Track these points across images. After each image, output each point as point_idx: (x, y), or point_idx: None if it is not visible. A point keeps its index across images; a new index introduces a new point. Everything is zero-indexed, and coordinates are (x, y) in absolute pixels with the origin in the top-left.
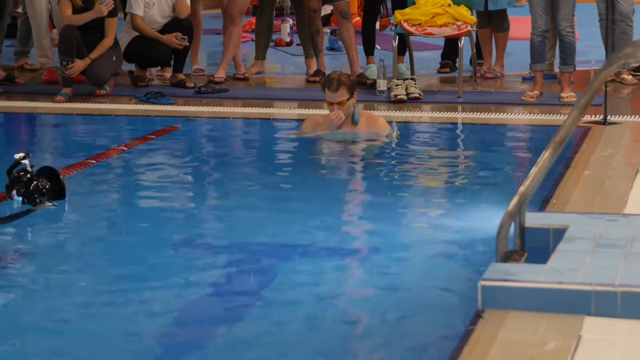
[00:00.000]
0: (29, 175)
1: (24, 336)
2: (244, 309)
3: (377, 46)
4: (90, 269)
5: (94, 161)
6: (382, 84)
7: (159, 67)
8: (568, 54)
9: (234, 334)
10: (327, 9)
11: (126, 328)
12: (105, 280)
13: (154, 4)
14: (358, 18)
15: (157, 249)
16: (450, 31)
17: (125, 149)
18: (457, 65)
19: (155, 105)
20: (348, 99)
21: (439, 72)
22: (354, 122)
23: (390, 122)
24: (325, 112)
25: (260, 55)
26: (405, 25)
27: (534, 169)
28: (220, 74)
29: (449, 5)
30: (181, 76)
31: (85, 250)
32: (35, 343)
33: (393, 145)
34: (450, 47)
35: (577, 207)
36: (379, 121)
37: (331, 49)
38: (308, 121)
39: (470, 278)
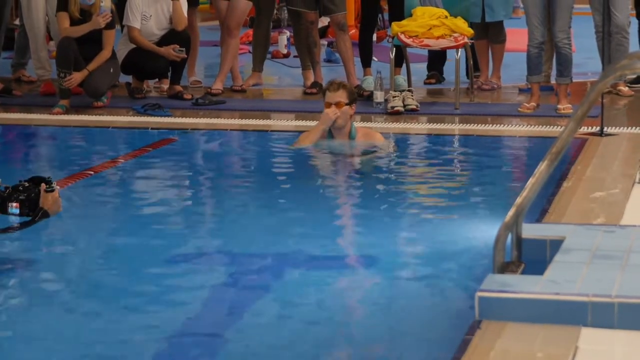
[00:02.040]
0: (26, 185)
1: (19, 347)
2: (242, 319)
3: (374, 58)
4: (86, 281)
5: (91, 173)
6: (379, 96)
7: (157, 79)
8: (565, 66)
9: (233, 342)
10: (324, 21)
11: (123, 339)
12: (101, 292)
13: (151, 16)
14: (355, 30)
15: (154, 260)
16: (447, 43)
17: (122, 161)
18: (444, 76)
19: (153, 117)
20: (346, 104)
21: (425, 83)
22: (351, 137)
23: (387, 134)
24: None
25: (258, 67)
26: (402, 37)
27: (531, 180)
28: (218, 86)
29: (446, 17)
30: (178, 88)
31: (80, 261)
32: (33, 353)
33: (390, 156)
34: (435, 59)
35: (574, 218)
36: (376, 135)
37: (328, 60)
38: (305, 133)
39: (468, 289)
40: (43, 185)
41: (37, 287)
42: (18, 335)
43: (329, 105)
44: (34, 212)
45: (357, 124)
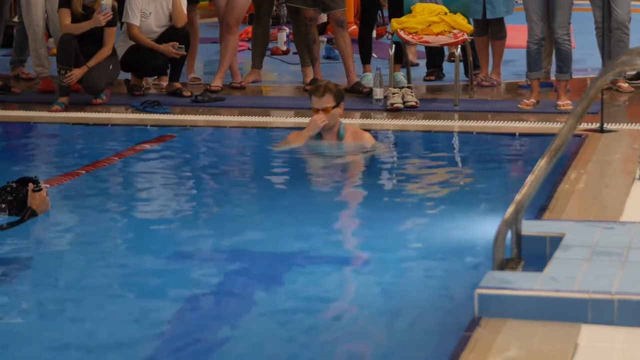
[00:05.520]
0: (13, 185)
1: (12, 346)
2: (240, 318)
3: (373, 55)
4: (81, 279)
5: (90, 170)
6: (378, 93)
7: (156, 76)
8: (564, 62)
9: (229, 342)
10: (323, 18)
11: (121, 337)
12: (97, 291)
13: (150, 13)
14: (354, 27)
15: (151, 258)
16: (446, 39)
17: (121, 158)
18: (443, 72)
19: (152, 114)
20: (334, 107)
21: (424, 80)
22: (340, 137)
23: (386, 131)
24: None
25: (257, 64)
26: (401, 33)
27: (531, 177)
28: (217, 83)
29: (445, 13)
30: (178, 85)
31: (76, 259)
32: (30, 352)
33: (389, 153)
34: (434, 55)
35: (574, 214)
36: (365, 135)
37: (327, 57)
38: (293, 134)
39: (467, 286)
40: (31, 185)
41: (28, 285)
42: (9, 335)
43: (316, 111)
44: (22, 212)
45: (347, 122)
